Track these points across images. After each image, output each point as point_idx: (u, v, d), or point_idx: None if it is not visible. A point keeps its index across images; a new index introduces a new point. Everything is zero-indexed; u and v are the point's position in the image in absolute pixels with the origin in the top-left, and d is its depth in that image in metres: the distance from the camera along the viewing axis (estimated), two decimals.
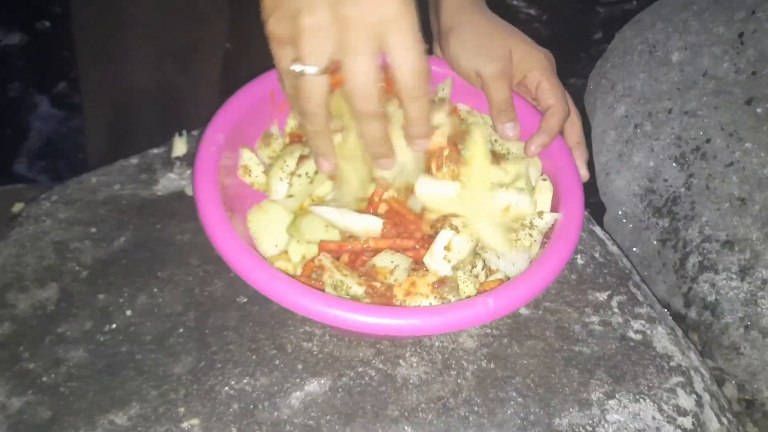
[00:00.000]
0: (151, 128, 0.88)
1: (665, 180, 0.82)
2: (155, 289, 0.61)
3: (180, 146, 0.74)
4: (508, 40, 0.64)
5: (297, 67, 0.48)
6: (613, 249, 0.70)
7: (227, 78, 0.97)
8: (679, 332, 0.65)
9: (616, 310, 0.64)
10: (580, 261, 0.67)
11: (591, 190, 0.96)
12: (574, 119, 0.64)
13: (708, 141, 0.77)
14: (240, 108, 0.61)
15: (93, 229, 0.66)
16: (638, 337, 0.62)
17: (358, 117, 0.50)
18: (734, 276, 0.75)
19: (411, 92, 0.49)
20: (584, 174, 0.62)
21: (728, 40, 0.77)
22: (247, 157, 0.62)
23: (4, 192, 1.00)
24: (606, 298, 0.65)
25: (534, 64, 0.63)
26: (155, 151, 0.75)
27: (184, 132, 0.74)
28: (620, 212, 0.87)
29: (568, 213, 0.55)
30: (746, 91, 0.74)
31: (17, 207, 0.85)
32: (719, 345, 0.75)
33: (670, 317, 0.67)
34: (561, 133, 0.62)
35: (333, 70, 0.48)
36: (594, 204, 0.94)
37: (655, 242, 0.82)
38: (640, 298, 0.66)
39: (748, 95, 0.74)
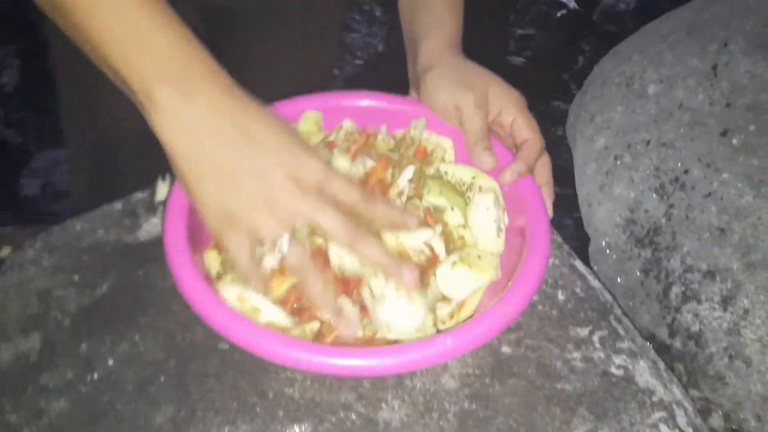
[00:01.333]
0: (135, 170, 0.89)
1: (646, 211, 0.82)
2: (137, 337, 0.61)
3: (163, 190, 0.74)
4: (485, 77, 0.66)
5: (276, 250, 0.52)
6: (594, 283, 0.70)
7: None
8: (662, 365, 0.66)
9: (597, 345, 0.64)
10: (560, 296, 0.67)
11: (576, 222, 0.97)
12: (545, 160, 0.65)
13: (686, 172, 0.78)
14: None
15: (76, 276, 0.67)
16: (620, 372, 0.62)
17: (356, 247, 0.53)
18: (717, 306, 0.75)
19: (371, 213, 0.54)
20: (549, 214, 0.63)
21: (702, 72, 0.78)
22: None
23: None
24: (587, 333, 0.65)
25: (509, 101, 0.64)
26: (139, 195, 0.75)
27: (167, 175, 0.75)
28: (603, 243, 0.88)
29: (533, 250, 0.56)
30: (721, 123, 0.75)
31: (4, 251, 0.86)
32: (704, 375, 0.76)
33: (653, 350, 0.67)
34: (531, 171, 0.63)
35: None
36: (580, 236, 0.94)
37: (638, 273, 0.83)
38: (622, 333, 0.66)
39: (723, 126, 0.75)
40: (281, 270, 0.53)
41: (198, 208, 0.53)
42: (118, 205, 0.74)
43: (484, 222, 0.58)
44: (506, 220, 0.60)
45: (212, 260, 0.59)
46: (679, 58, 0.80)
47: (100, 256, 0.69)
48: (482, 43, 0.72)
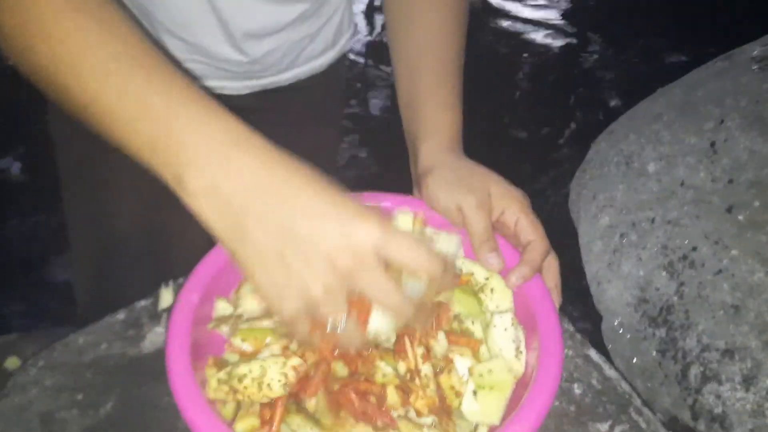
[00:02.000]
0: (139, 275, 0.88)
1: (657, 289, 0.81)
2: None
3: (166, 297, 0.74)
4: (486, 177, 0.65)
5: (331, 327, 0.50)
6: (611, 373, 0.68)
7: None
8: None
9: None
10: (577, 390, 0.66)
11: (584, 299, 0.96)
12: (552, 262, 0.64)
13: (694, 249, 0.77)
14: (217, 261, 0.61)
15: (79, 396, 0.65)
16: None
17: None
18: (738, 386, 0.73)
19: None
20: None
21: (701, 150, 0.78)
22: (221, 308, 0.62)
23: None
24: (608, 428, 0.63)
25: (512, 201, 0.63)
26: (142, 303, 0.75)
27: (171, 282, 0.74)
28: (616, 322, 0.86)
29: (545, 363, 0.54)
30: (725, 199, 0.75)
31: (10, 362, 0.84)
32: None
33: None
34: (537, 272, 0.62)
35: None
36: (588, 314, 0.93)
37: (654, 353, 0.81)
38: (644, 425, 0.64)
39: (728, 203, 0.75)
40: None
41: (250, 280, 0.51)
42: (121, 315, 0.73)
43: (502, 343, 0.57)
44: (524, 340, 0.59)
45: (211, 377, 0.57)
46: (676, 137, 0.80)
47: (104, 373, 0.67)
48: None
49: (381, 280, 0.49)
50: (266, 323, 0.59)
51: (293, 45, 0.86)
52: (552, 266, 0.63)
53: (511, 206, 0.63)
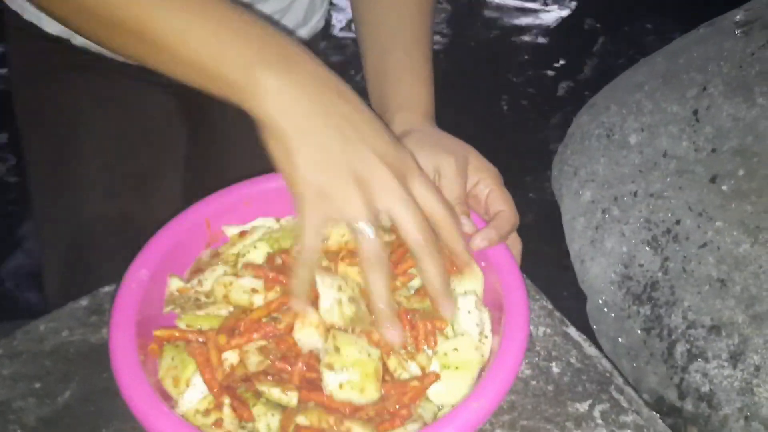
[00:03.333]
0: (108, 263, 0.86)
1: (641, 265, 0.78)
2: None
3: None
4: (464, 146, 0.63)
5: (359, 225, 0.51)
6: (591, 351, 0.66)
7: (187, 206, 0.96)
8: None
9: (599, 420, 0.59)
10: (555, 369, 0.63)
11: (570, 278, 0.93)
12: (516, 242, 0.61)
13: (678, 222, 0.75)
14: (168, 240, 0.59)
15: (38, 385, 0.63)
16: None
17: (419, 256, 0.52)
18: (726, 363, 0.70)
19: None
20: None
21: (684, 119, 0.75)
22: (174, 286, 0.59)
23: None
24: (587, 408, 0.60)
25: (487, 173, 0.61)
26: (106, 289, 0.72)
27: None
28: (600, 301, 0.83)
29: (509, 334, 0.51)
30: (709, 169, 0.72)
31: None
32: None
33: (661, 421, 0.62)
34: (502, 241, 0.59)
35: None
36: (573, 294, 0.90)
37: (639, 331, 0.78)
38: (625, 404, 0.61)
39: (711, 173, 0.72)
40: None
41: (290, 181, 0.52)
42: (84, 302, 0.71)
43: (466, 326, 0.54)
44: (489, 324, 0.56)
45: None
46: (658, 106, 0.77)
47: (64, 360, 0.65)
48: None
49: (413, 205, 0.52)
50: (222, 311, 0.56)
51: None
52: (515, 245, 0.61)
53: (486, 178, 0.60)
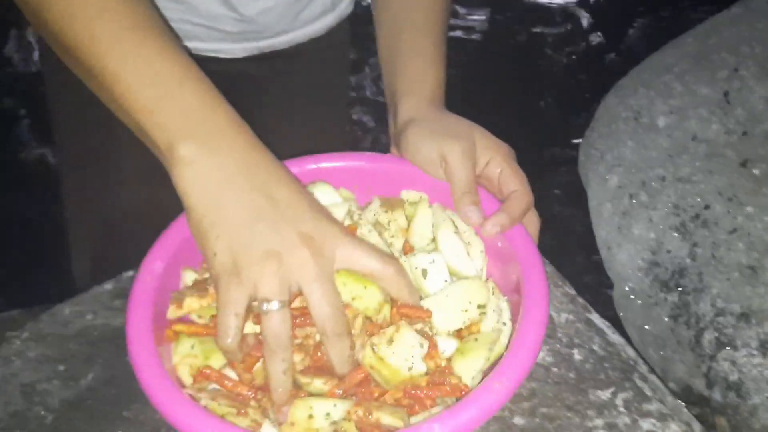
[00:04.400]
0: (136, 252, 0.87)
1: (668, 251, 0.76)
2: None
3: None
4: (470, 127, 0.62)
5: (265, 306, 0.48)
6: (615, 338, 0.64)
7: None
8: (697, 427, 0.59)
9: (622, 409, 0.58)
10: (578, 356, 0.62)
11: (595, 265, 0.92)
12: (534, 219, 0.60)
13: (707, 207, 0.73)
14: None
15: (62, 367, 0.64)
16: None
17: (328, 341, 0.50)
18: (755, 352, 0.69)
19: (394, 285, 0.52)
20: None
21: (714, 101, 0.73)
22: (188, 278, 0.59)
23: None
24: (610, 396, 0.59)
25: (497, 152, 0.60)
26: (129, 273, 0.73)
27: None
28: (627, 288, 0.82)
29: (528, 317, 0.50)
30: (739, 153, 0.70)
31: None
32: (750, 429, 0.69)
33: (686, 410, 0.61)
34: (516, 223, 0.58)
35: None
36: (599, 281, 0.89)
37: (666, 319, 0.77)
38: (648, 393, 0.60)
39: (742, 157, 0.70)
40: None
41: (206, 256, 0.51)
42: (108, 286, 0.72)
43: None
44: (507, 311, 0.55)
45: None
46: (688, 88, 0.75)
47: (88, 343, 0.65)
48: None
49: (328, 283, 0.49)
50: None
51: (289, 6, 0.83)
52: (532, 223, 0.59)
53: (496, 157, 0.59)
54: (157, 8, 0.58)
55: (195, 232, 0.52)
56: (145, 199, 0.90)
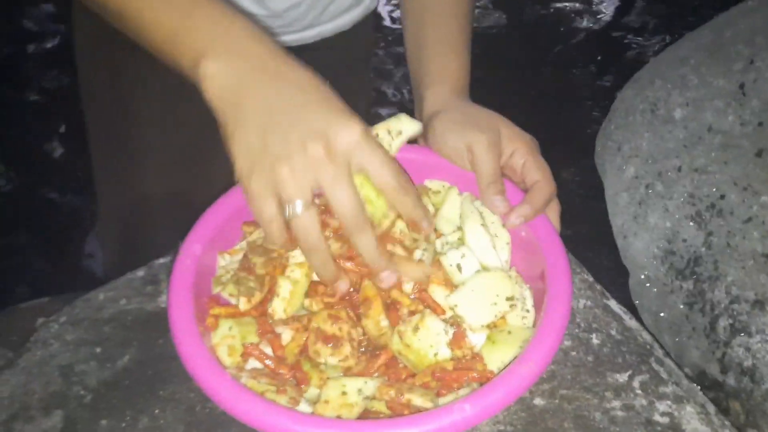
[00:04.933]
0: (164, 236, 0.90)
1: (684, 240, 0.78)
2: (157, 410, 0.60)
3: None
4: (495, 118, 0.63)
5: (289, 208, 0.51)
6: (631, 323, 0.66)
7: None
8: (712, 409, 0.61)
9: (638, 391, 0.60)
10: (595, 340, 0.64)
11: (612, 253, 0.93)
12: (555, 207, 0.61)
13: (722, 197, 0.74)
14: (220, 215, 0.61)
15: (98, 349, 0.66)
16: (665, 420, 0.58)
17: (352, 236, 0.53)
18: None
19: (398, 198, 0.54)
20: None
21: (730, 93, 0.74)
22: (223, 263, 0.62)
23: (28, 308, 1.01)
24: (627, 379, 0.61)
25: (521, 143, 0.61)
26: (161, 260, 0.75)
27: None
28: (643, 276, 0.83)
29: (553, 305, 0.52)
30: (755, 143, 0.71)
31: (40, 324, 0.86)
32: (764, 413, 0.70)
33: (701, 393, 0.63)
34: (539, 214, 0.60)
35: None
36: (615, 270, 0.90)
37: (681, 306, 0.78)
38: (665, 376, 0.62)
39: (758, 147, 0.71)
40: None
41: (231, 153, 0.54)
42: (140, 272, 0.74)
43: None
44: (530, 299, 0.58)
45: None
46: (704, 80, 0.76)
47: (122, 327, 0.68)
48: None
49: (344, 182, 0.51)
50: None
51: (316, 0, 0.85)
52: (553, 210, 0.61)
53: (520, 148, 0.61)
54: None
55: (223, 133, 0.55)
56: (171, 187, 0.92)
